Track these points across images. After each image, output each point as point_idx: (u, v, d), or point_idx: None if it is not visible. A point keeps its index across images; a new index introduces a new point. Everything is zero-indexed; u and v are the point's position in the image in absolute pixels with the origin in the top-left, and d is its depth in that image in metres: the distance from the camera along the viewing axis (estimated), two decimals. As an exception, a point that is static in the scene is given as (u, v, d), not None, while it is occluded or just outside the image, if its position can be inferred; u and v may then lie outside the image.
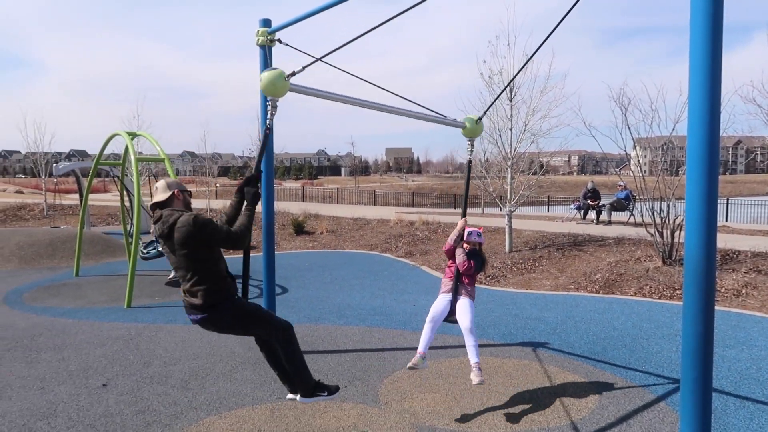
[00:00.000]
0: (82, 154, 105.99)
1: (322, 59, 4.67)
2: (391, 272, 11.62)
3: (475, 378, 4.74)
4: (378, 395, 5.15)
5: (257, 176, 4.15)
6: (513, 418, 4.64)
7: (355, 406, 4.90)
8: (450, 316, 5.13)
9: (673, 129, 10.78)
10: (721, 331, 6.92)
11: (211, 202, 24.15)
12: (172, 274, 11.16)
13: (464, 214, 5.57)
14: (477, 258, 5.22)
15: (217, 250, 3.86)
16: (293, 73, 4.19)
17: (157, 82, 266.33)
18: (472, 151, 5.89)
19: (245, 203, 4.02)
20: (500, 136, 12.59)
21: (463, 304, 5.06)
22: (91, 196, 11.99)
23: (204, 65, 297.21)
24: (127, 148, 10.24)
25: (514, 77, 9.03)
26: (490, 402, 4.97)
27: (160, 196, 3.90)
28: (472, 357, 4.84)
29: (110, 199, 28.94)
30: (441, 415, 4.71)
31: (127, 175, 13.46)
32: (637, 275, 9.87)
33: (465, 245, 5.25)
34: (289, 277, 11.18)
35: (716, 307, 5.11)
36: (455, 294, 5.13)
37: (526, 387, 5.32)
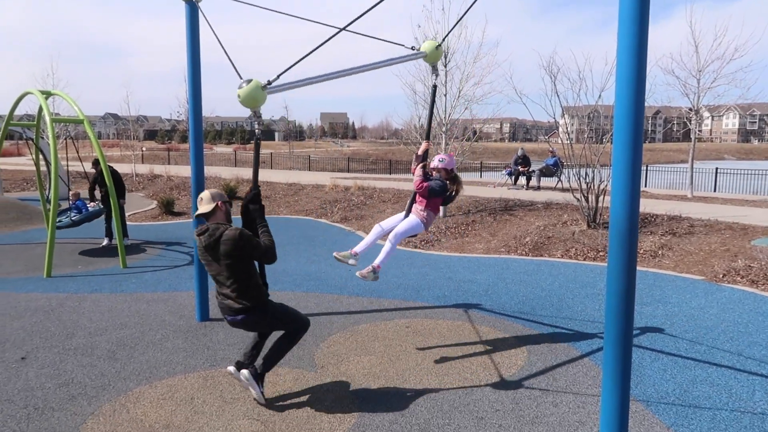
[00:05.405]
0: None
1: (298, 62, 4.31)
2: (327, 237, 11.57)
3: (359, 272, 5.07)
4: (314, 359, 5.15)
5: (258, 193, 4.34)
6: (446, 378, 4.77)
7: (291, 371, 4.89)
8: None
9: (599, 97, 11.19)
10: (639, 290, 7.35)
11: (137, 166, 23.08)
12: (105, 242, 10.62)
13: (428, 137, 5.80)
14: (441, 185, 5.22)
15: (253, 261, 4.17)
16: (269, 83, 4.06)
17: (73, 37, 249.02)
18: (437, 75, 6.03)
19: (257, 221, 4.25)
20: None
21: (406, 219, 5.30)
22: (2, 159, 11.14)
23: (125, 20, 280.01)
24: (41, 109, 9.54)
25: (449, 32, 9.13)
26: (425, 363, 5.09)
27: (205, 207, 4.12)
28: (377, 260, 5.11)
29: (25, 163, 27.06)
30: (377, 377, 4.78)
31: (42, 138, 12.60)
32: (563, 238, 10.29)
33: (432, 170, 5.37)
34: (221, 243, 10.91)
35: (636, 267, 5.36)
36: (408, 212, 5.36)
37: (459, 347, 5.47)
